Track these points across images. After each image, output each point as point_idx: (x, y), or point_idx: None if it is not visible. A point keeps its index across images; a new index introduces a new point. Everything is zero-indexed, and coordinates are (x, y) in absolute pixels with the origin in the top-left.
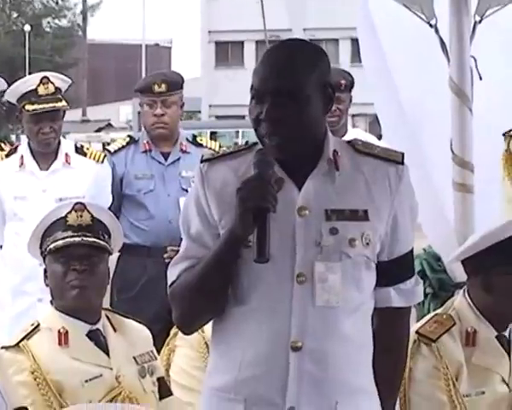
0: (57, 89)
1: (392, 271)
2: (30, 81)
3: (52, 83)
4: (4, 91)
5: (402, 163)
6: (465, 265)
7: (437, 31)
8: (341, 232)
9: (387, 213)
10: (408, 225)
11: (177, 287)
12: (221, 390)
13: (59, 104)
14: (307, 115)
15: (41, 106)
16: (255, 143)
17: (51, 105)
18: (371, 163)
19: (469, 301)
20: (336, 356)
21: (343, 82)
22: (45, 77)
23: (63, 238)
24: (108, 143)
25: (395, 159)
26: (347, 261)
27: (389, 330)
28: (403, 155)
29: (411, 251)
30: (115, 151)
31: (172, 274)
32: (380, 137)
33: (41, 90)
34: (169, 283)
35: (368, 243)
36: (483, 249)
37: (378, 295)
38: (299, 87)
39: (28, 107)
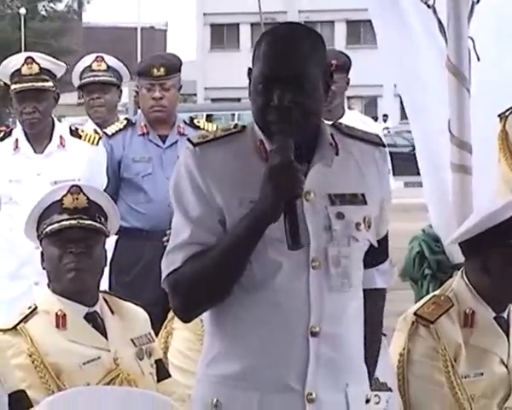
0: (43, 69)
1: (376, 252)
2: (14, 61)
3: (37, 63)
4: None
5: (384, 145)
6: (462, 246)
7: (435, 11)
8: (347, 217)
9: (379, 195)
10: (389, 205)
11: (184, 274)
12: (231, 378)
13: (39, 84)
14: (316, 101)
15: (22, 85)
16: (244, 126)
17: (30, 84)
18: (358, 146)
19: (467, 282)
20: (346, 339)
21: (334, 62)
22: (29, 57)
23: (59, 221)
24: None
25: (377, 141)
26: (355, 245)
27: (372, 311)
28: (380, 137)
29: (388, 232)
30: (113, 134)
31: (176, 260)
32: (376, 119)
33: (24, 70)
34: (170, 269)
35: (369, 227)
36: (481, 232)
37: (364, 276)
38: (308, 73)
39: (13, 86)
